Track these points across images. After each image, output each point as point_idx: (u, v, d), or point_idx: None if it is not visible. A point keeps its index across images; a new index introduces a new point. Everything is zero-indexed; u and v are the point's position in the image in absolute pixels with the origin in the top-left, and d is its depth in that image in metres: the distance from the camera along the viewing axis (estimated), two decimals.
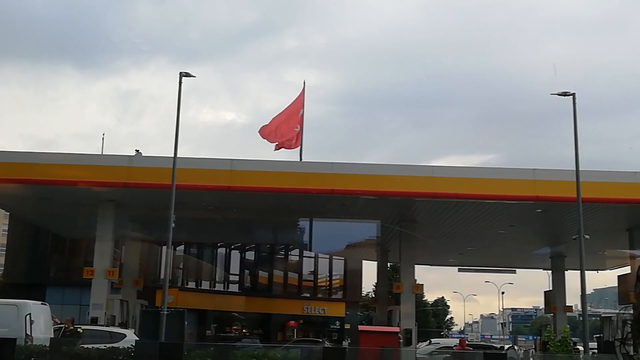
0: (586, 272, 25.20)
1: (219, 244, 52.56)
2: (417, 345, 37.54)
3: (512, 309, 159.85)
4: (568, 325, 25.23)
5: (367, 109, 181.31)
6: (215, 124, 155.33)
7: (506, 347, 40.61)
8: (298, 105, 36.19)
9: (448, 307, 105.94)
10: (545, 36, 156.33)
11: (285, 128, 35.04)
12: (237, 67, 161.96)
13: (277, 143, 34.75)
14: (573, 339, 24.62)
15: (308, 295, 56.58)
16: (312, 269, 57.57)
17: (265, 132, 34.24)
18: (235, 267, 53.78)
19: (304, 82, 37.68)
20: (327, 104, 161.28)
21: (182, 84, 25.48)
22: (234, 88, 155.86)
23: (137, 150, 31.88)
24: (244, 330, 52.76)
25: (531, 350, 40.97)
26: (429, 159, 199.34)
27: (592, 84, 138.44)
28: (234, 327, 52.82)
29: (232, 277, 53.60)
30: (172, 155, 25.31)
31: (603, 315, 46.58)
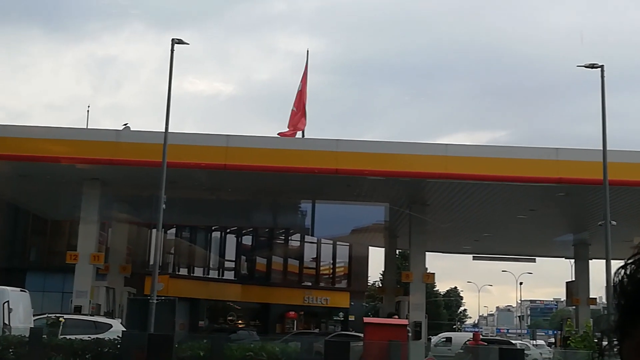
0: (612, 261, 25.20)
1: (213, 228, 52.65)
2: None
3: (531, 301, 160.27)
4: (591, 319, 25.31)
5: (363, 80, 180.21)
6: (201, 95, 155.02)
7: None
8: (303, 85, 36.23)
9: (461, 298, 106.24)
10: (559, 2, 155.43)
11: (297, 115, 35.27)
12: (222, 33, 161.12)
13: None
14: (597, 332, 24.69)
15: (309, 284, 56.74)
16: (314, 256, 57.70)
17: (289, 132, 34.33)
18: (230, 252, 53.91)
19: (307, 52, 37.68)
20: (320, 73, 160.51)
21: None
22: (220, 55, 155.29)
23: (125, 124, 31.92)
24: (239, 321, 52.99)
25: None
26: (433, 135, 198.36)
27: (618, 53, 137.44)
28: (229, 318, 53.05)
29: (227, 264, 53.74)
30: (163, 130, 25.29)
31: None
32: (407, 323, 30.26)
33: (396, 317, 26.64)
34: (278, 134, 34.03)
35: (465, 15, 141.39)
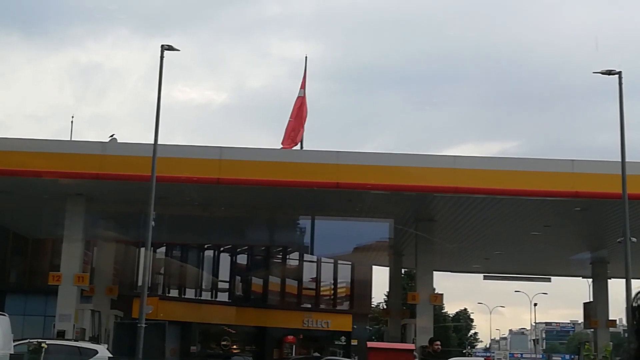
0: (633, 280, 25.17)
1: (206, 246, 52.57)
2: None
3: (546, 324, 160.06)
4: (611, 343, 25.26)
5: (364, 87, 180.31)
6: (191, 104, 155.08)
7: None
8: (300, 97, 36.34)
9: (471, 320, 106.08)
10: (573, 5, 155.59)
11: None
12: (212, 38, 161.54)
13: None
14: (616, 358, 24.70)
15: (309, 305, 56.61)
16: (314, 276, 57.57)
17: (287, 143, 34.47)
18: (224, 272, 53.78)
19: (306, 58, 37.76)
20: (317, 80, 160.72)
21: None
22: (211, 62, 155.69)
23: (112, 136, 31.96)
24: (234, 346, 52.84)
25: None
26: (438, 146, 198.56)
27: (637, 58, 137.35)
28: (223, 343, 52.91)
29: (221, 285, 53.63)
30: (152, 142, 25.30)
31: None
32: (414, 348, 30.19)
33: (438, 343, 26.44)
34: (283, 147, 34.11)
35: (473, 17, 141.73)
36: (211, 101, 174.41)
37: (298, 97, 36.29)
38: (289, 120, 35.47)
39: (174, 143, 31.46)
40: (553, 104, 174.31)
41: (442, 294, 34.68)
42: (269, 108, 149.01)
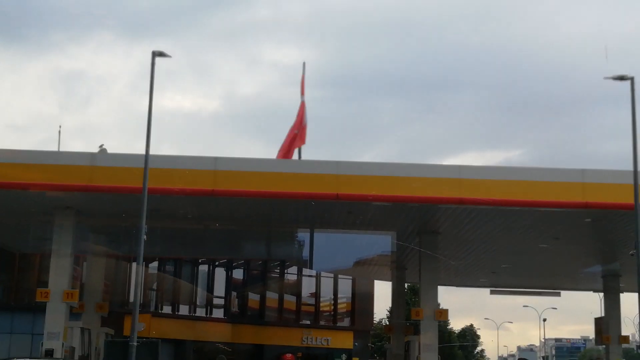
0: None
1: (200, 260, 52.55)
2: None
3: (556, 340, 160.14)
4: None
5: (359, 94, 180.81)
6: (180, 112, 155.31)
7: None
8: (301, 111, 36.48)
9: (478, 337, 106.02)
10: (581, 4, 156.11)
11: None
12: (201, 43, 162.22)
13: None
14: None
15: (308, 322, 56.59)
16: (314, 291, 57.55)
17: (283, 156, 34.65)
18: (220, 288, 53.77)
19: (304, 64, 37.82)
20: (312, 86, 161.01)
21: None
22: (200, 68, 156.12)
23: (101, 146, 31.89)
24: None
25: None
26: (439, 155, 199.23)
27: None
28: None
29: (216, 301, 53.59)
30: (143, 152, 25.29)
31: None
32: None
33: None
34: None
35: (476, 21, 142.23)
36: (201, 109, 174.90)
37: (301, 102, 36.40)
38: (290, 132, 35.48)
39: (163, 152, 31.48)
40: (558, 111, 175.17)
41: (447, 310, 34.57)
42: (261, 115, 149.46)
